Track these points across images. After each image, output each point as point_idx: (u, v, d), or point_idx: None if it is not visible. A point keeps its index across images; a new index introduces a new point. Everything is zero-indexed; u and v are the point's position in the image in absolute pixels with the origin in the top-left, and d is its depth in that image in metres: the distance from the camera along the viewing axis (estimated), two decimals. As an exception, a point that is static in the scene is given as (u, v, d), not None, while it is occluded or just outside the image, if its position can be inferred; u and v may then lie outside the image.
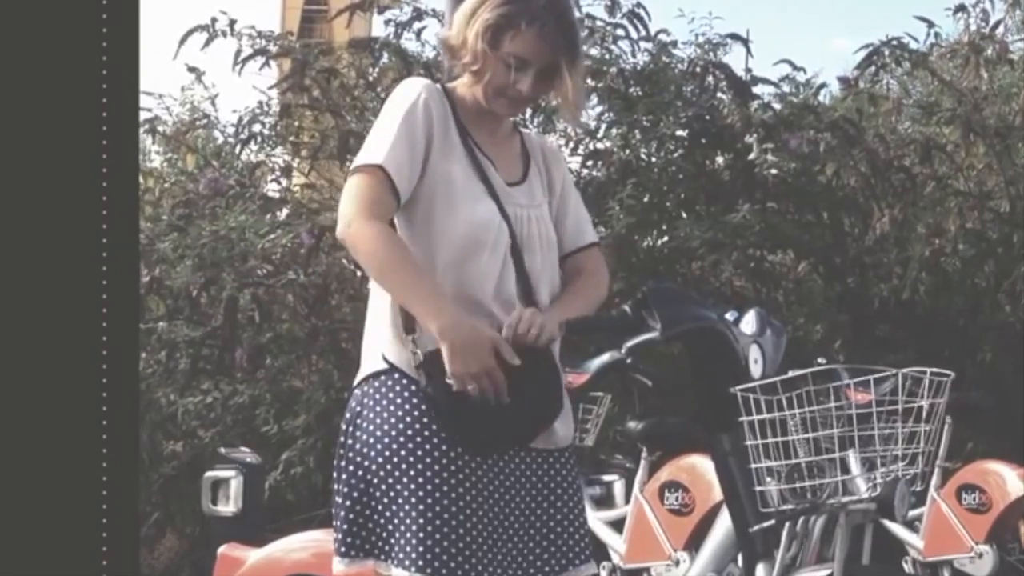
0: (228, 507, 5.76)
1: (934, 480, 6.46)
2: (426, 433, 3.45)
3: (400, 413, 3.46)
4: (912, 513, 6.60)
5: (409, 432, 3.44)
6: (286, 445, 8.23)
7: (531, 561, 3.57)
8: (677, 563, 6.25)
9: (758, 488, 3.50)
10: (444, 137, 3.53)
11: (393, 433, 3.45)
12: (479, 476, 3.47)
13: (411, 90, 3.55)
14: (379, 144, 3.47)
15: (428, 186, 3.50)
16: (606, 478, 6.85)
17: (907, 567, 6.55)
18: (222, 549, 5.08)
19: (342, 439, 3.55)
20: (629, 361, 5.47)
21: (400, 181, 3.44)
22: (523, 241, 3.56)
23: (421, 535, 3.39)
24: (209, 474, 5.87)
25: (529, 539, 3.57)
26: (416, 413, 3.45)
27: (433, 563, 3.38)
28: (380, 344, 3.53)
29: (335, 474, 3.55)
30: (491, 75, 3.51)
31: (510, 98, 3.57)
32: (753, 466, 3.49)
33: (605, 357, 5.57)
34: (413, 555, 3.39)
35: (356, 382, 3.58)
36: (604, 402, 6.38)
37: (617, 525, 6.49)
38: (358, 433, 3.50)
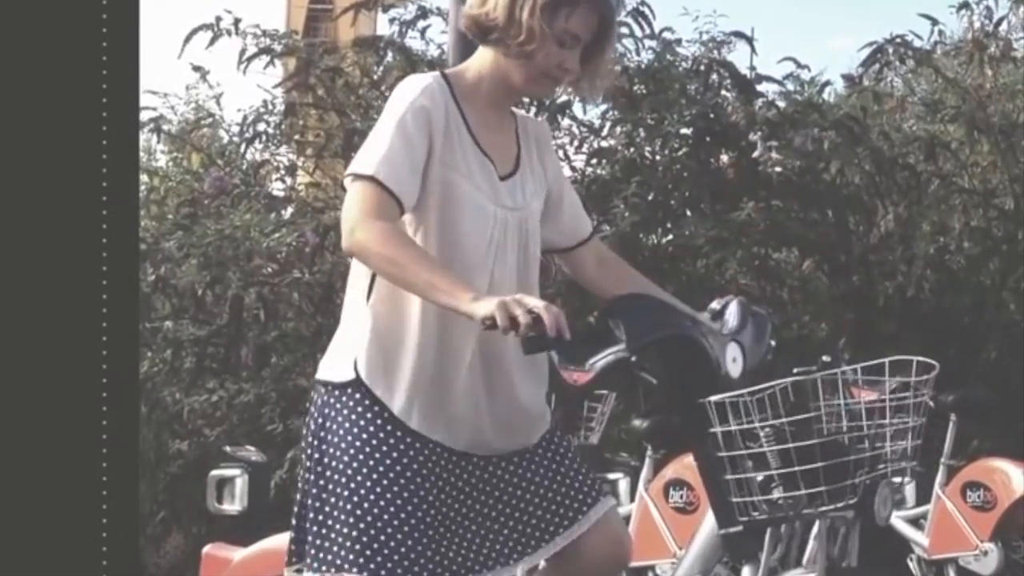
0: (233, 506, 5.74)
1: (939, 478, 6.46)
2: (388, 443, 3.42)
3: (363, 424, 3.42)
4: (917, 511, 6.61)
5: (373, 442, 3.41)
6: (291, 444, 8.24)
7: (543, 526, 3.56)
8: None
9: (734, 499, 3.46)
10: (447, 138, 3.44)
11: (358, 444, 3.41)
12: (446, 480, 3.46)
13: (409, 93, 3.45)
14: (374, 153, 3.39)
15: (434, 194, 3.43)
16: (611, 476, 6.86)
17: (912, 565, 6.55)
18: (207, 549, 5.05)
19: (310, 452, 3.50)
20: (634, 359, 5.44)
21: (398, 187, 3.36)
22: (497, 248, 3.50)
23: (365, 538, 3.36)
24: (214, 473, 5.86)
25: (528, 505, 3.56)
26: (375, 426, 3.42)
27: (375, 559, 3.34)
28: (353, 349, 3.48)
29: (306, 487, 3.50)
30: (544, 54, 3.43)
31: (554, 78, 3.51)
32: (727, 477, 3.45)
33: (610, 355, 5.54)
34: (351, 556, 3.36)
35: (323, 379, 3.52)
36: (609, 400, 6.38)
37: (621, 523, 6.48)
38: (324, 447, 3.46)
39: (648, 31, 8.58)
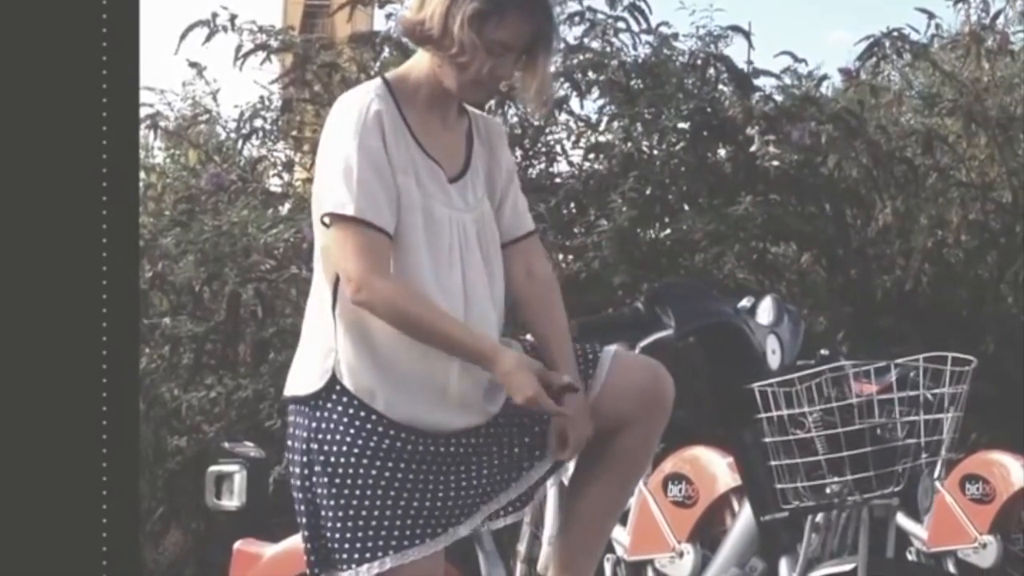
0: (232, 501, 5.74)
1: (937, 471, 6.46)
2: (384, 444, 3.51)
3: (358, 425, 3.53)
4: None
5: (371, 443, 3.51)
6: (290, 439, 8.23)
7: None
8: (681, 555, 6.25)
9: (779, 486, 3.47)
10: (397, 147, 3.45)
11: (360, 443, 3.52)
12: (444, 454, 3.54)
13: (357, 108, 3.45)
14: (346, 187, 3.39)
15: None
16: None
17: (911, 558, 6.55)
18: (238, 545, 5.06)
19: (307, 459, 3.69)
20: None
21: (382, 220, 3.38)
22: (461, 251, 3.52)
23: (386, 523, 3.53)
24: (213, 469, 5.85)
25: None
26: (366, 430, 3.52)
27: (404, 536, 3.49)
28: (327, 356, 3.53)
29: (308, 495, 3.71)
30: (476, 65, 3.44)
31: (486, 85, 3.53)
32: (773, 463, 3.47)
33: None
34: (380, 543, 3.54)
35: (303, 393, 3.62)
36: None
37: (621, 517, 6.48)
38: (326, 448, 3.60)
39: (645, 26, 8.58)
